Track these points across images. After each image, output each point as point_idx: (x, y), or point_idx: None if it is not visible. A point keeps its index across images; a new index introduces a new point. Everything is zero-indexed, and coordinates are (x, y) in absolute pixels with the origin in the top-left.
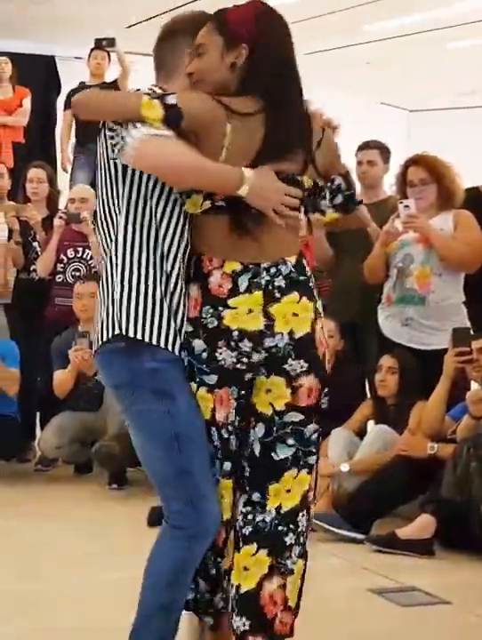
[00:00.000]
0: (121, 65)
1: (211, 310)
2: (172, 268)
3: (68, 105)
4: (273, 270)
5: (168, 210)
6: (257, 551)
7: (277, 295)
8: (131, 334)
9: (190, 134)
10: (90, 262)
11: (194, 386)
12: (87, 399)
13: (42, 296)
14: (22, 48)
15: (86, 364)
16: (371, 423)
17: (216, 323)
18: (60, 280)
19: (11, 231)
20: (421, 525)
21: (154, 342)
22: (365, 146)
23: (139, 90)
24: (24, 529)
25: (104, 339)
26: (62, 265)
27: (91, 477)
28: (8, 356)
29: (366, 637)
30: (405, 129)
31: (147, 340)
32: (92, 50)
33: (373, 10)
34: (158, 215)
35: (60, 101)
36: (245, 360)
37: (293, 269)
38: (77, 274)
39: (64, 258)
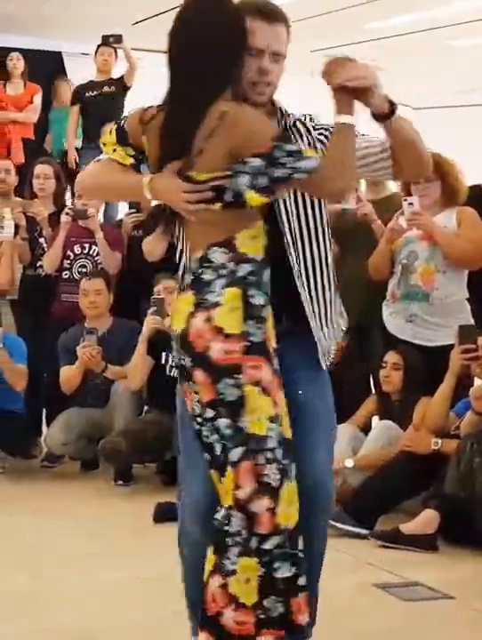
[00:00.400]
0: (128, 61)
1: None
2: None
3: (74, 101)
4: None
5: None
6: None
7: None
8: None
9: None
10: (96, 259)
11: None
12: (94, 395)
13: (48, 292)
14: (29, 44)
15: (94, 361)
16: (375, 419)
17: None
18: (66, 276)
19: (17, 227)
20: (425, 521)
21: None
22: None
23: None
24: (27, 527)
25: None
26: (69, 261)
27: (97, 474)
28: (15, 352)
29: (370, 632)
30: None
31: None
32: (98, 46)
33: (374, 9)
34: None
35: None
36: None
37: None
38: (84, 270)
39: (71, 254)
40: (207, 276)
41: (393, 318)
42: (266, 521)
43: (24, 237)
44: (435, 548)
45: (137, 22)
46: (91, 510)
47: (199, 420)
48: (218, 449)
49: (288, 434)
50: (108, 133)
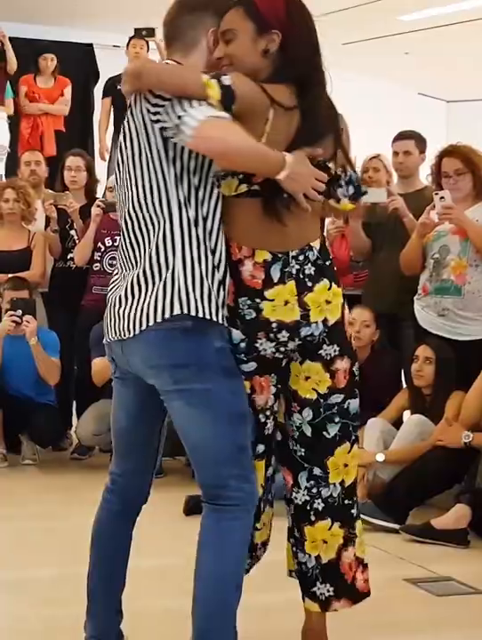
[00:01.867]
0: (159, 54)
1: (248, 302)
2: (216, 247)
3: (106, 93)
4: (301, 258)
5: (208, 187)
6: (332, 525)
7: (309, 284)
8: (200, 314)
9: (235, 117)
10: (118, 254)
11: None
12: None
13: (79, 285)
14: (61, 36)
15: None
16: (407, 413)
17: (254, 314)
18: (97, 269)
19: (48, 219)
20: (457, 515)
21: (220, 321)
22: (401, 136)
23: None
24: (59, 516)
25: (159, 318)
26: (99, 253)
27: None
28: (49, 345)
29: (402, 627)
30: (443, 119)
31: (215, 319)
32: (130, 38)
33: (409, 0)
34: (200, 193)
35: (99, 89)
36: (282, 349)
37: (318, 255)
38: (115, 262)
39: (101, 246)
40: (330, 264)
41: (425, 312)
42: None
43: (55, 230)
44: (466, 542)
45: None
46: None
47: (312, 409)
48: (332, 431)
49: None
50: (209, 86)
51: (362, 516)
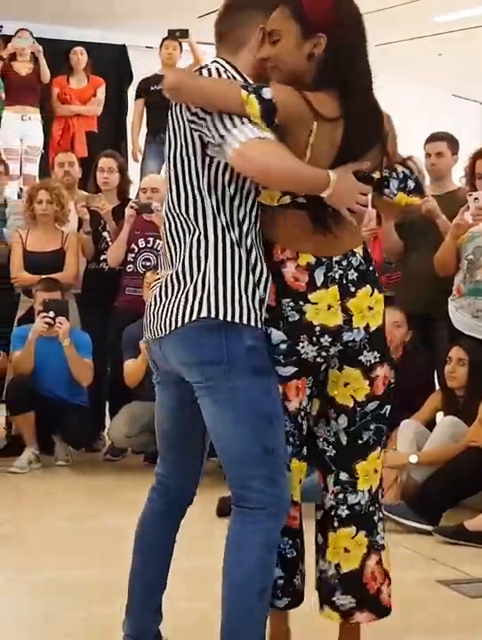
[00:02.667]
0: (193, 55)
1: (291, 303)
2: (251, 250)
3: (139, 94)
4: (344, 263)
5: (245, 193)
6: (356, 533)
7: (352, 289)
8: (227, 318)
9: (278, 129)
10: (160, 252)
11: None
12: None
13: (112, 286)
14: (94, 37)
15: None
16: (440, 414)
17: (298, 317)
18: (130, 270)
19: (80, 221)
20: None
21: (251, 324)
22: (433, 138)
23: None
24: (94, 517)
25: (187, 319)
26: (133, 255)
27: None
28: (82, 346)
29: (435, 628)
30: (477, 121)
31: (244, 322)
32: (163, 39)
33: (443, 1)
34: (236, 201)
35: (132, 91)
36: (323, 353)
37: (361, 261)
38: (148, 264)
39: (135, 248)
40: (373, 270)
41: (459, 314)
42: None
43: (88, 231)
44: None
45: (202, 15)
46: None
47: (348, 416)
48: (366, 436)
49: None
50: (249, 103)
51: (395, 517)
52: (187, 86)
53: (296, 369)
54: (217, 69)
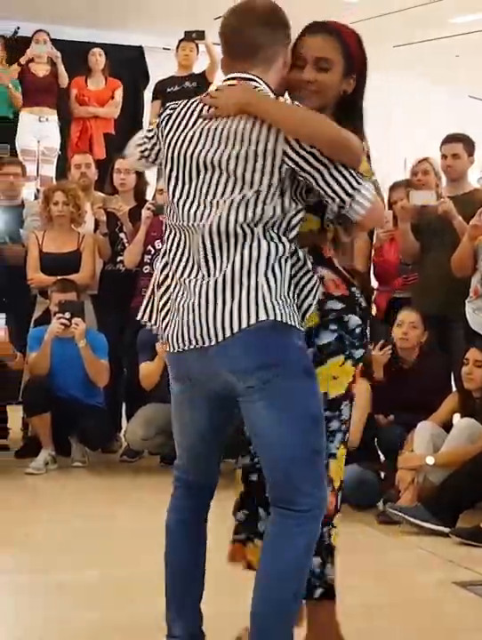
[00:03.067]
0: (209, 57)
1: (358, 291)
2: (296, 251)
3: (155, 95)
4: None
5: (298, 205)
6: None
7: None
8: (284, 320)
9: None
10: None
11: (341, 359)
12: None
13: (128, 287)
14: (111, 38)
15: None
16: (457, 416)
17: (365, 303)
18: (146, 271)
19: (97, 223)
20: None
21: (298, 325)
22: (449, 139)
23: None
24: (111, 517)
25: (244, 324)
26: (149, 256)
27: None
28: (97, 347)
29: (451, 629)
30: None
31: (293, 323)
32: (180, 41)
33: (461, 2)
34: (292, 211)
35: (148, 92)
36: None
37: None
38: None
39: (151, 249)
40: None
41: (476, 315)
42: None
43: (104, 233)
44: None
45: (218, 17)
46: None
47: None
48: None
49: None
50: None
51: (412, 519)
52: (282, 112)
53: (364, 351)
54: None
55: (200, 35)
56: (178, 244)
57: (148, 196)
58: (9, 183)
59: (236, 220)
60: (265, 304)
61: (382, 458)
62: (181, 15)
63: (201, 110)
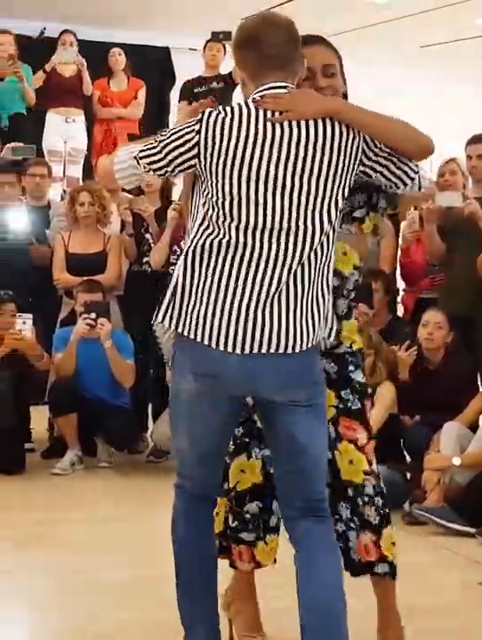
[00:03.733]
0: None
1: None
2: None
3: (182, 96)
4: None
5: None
6: None
7: None
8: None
9: None
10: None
11: None
12: None
13: (154, 288)
14: (137, 39)
15: None
16: None
17: None
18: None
19: (123, 223)
20: None
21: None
22: (475, 140)
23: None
24: (139, 518)
25: (313, 342)
26: (175, 257)
27: None
28: (123, 347)
29: (478, 630)
30: None
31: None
32: (207, 41)
33: None
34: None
35: (175, 92)
36: None
37: None
38: None
39: (178, 250)
40: None
41: None
42: None
43: (130, 234)
44: None
45: (246, 17)
46: None
47: None
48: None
49: None
50: None
51: (438, 519)
52: (369, 118)
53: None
54: None
55: (227, 35)
56: (235, 248)
57: (174, 196)
58: (35, 184)
59: (322, 229)
60: (318, 323)
61: (408, 458)
62: (207, 16)
63: (258, 114)
